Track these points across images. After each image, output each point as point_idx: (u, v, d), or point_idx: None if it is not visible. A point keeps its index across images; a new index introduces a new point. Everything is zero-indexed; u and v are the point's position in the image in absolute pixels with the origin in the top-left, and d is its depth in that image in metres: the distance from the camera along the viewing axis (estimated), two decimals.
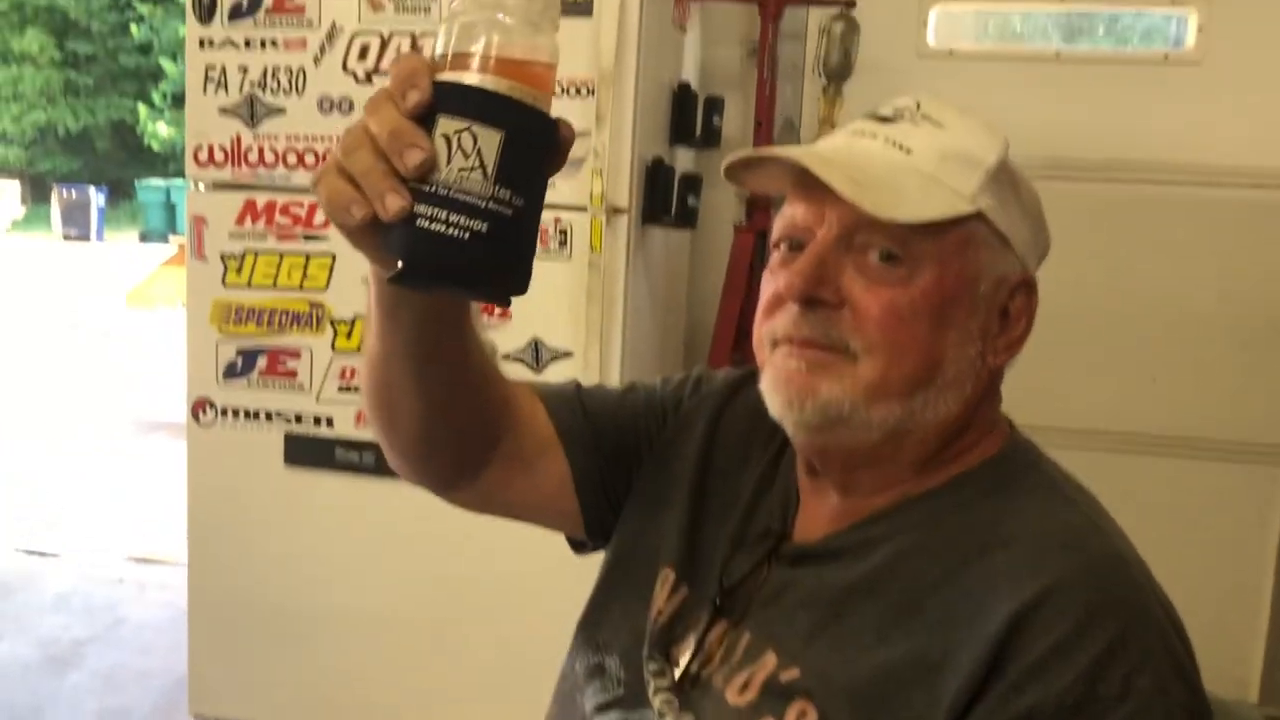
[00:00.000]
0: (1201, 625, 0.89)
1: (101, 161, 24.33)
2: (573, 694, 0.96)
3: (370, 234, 0.66)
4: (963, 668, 0.73)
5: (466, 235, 0.62)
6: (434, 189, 0.62)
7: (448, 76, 0.64)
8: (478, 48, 0.64)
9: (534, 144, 0.65)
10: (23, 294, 10.52)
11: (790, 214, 0.85)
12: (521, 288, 0.68)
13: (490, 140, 0.63)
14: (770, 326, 0.84)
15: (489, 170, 0.62)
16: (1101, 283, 2.49)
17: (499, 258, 0.65)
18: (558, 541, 1.11)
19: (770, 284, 0.85)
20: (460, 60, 0.64)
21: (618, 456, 1.01)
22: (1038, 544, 0.78)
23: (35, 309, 9.61)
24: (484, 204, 0.63)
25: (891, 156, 0.82)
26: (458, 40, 0.64)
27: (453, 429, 0.92)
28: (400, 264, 0.64)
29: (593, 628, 0.98)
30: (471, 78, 0.63)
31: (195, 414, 2.24)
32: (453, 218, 0.62)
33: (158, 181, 17.77)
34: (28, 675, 2.83)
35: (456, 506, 1.02)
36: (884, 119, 0.85)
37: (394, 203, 0.62)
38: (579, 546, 1.07)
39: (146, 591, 3.41)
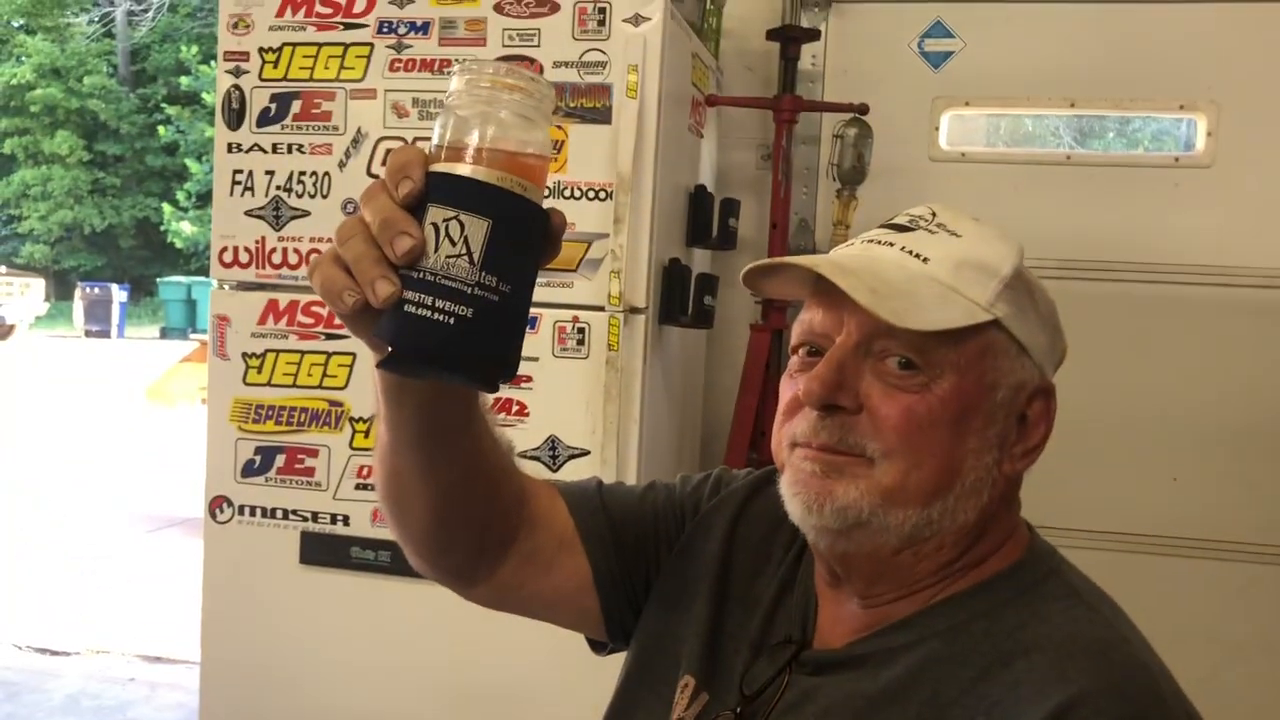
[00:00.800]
0: None
1: (125, 259, 24.73)
2: None
3: (365, 320, 0.67)
4: None
5: (452, 320, 0.64)
6: (422, 275, 0.64)
7: (440, 167, 0.66)
8: (470, 139, 0.66)
9: (522, 233, 0.67)
10: (43, 389, 10.61)
11: (809, 319, 0.86)
12: (508, 374, 0.68)
13: (477, 228, 0.64)
14: (789, 429, 0.85)
15: (475, 257, 0.64)
16: (1117, 382, 2.49)
17: (485, 343, 0.66)
18: (577, 644, 1.10)
19: (789, 388, 0.86)
20: (453, 151, 0.66)
21: (638, 557, 1.01)
22: (1061, 653, 0.77)
23: (55, 404, 9.67)
24: (470, 290, 0.64)
25: (908, 265, 0.83)
26: (452, 132, 0.67)
27: (467, 522, 0.92)
28: (390, 348, 0.66)
29: None
30: (462, 168, 0.65)
31: (213, 511, 2.24)
32: (439, 303, 0.64)
33: (179, 279, 18.05)
34: None
35: (475, 603, 1.01)
36: (900, 228, 0.86)
37: (383, 289, 0.64)
38: (598, 647, 1.06)
39: (157, 691, 3.37)
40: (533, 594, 1.00)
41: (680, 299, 2.20)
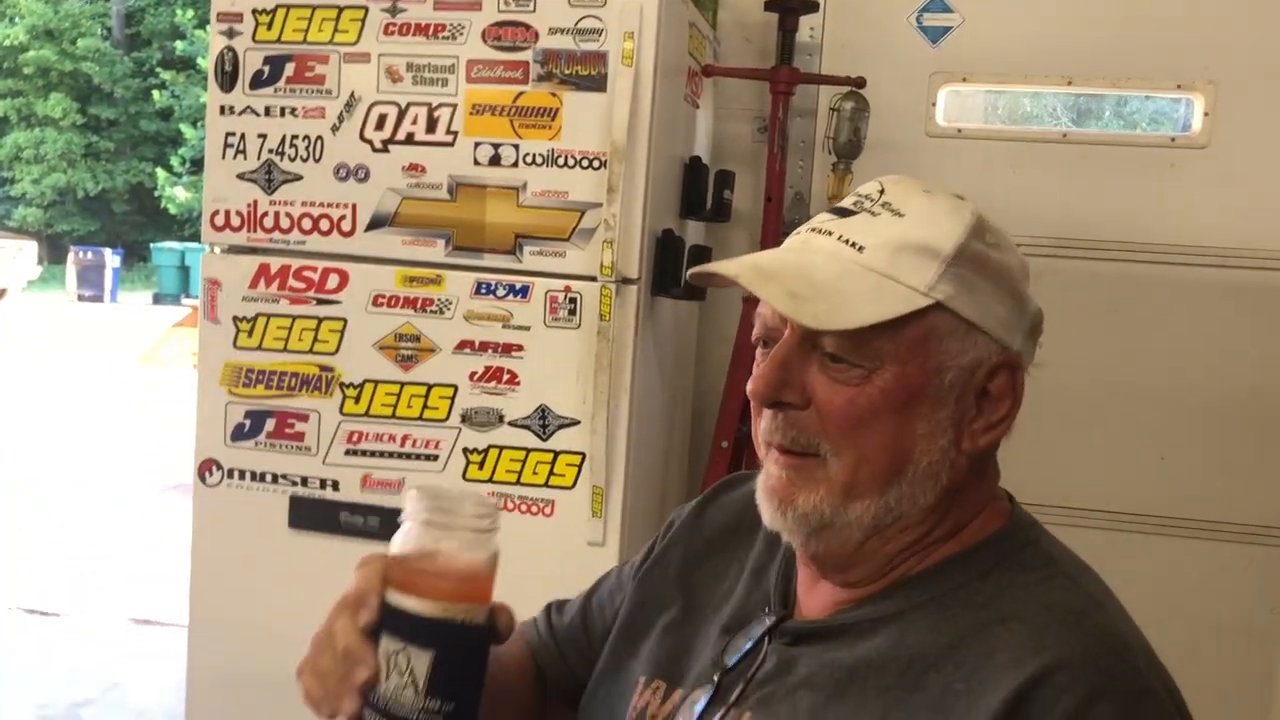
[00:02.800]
0: (1210, 705, 0.88)
1: (118, 224, 24.62)
2: None
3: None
4: None
5: None
6: (375, 700, 0.72)
7: (392, 598, 0.73)
8: (421, 565, 0.73)
9: (464, 656, 0.73)
10: (36, 353, 10.58)
11: (763, 314, 0.86)
12: None
13: (421, 660, 0.71)
14: (758, 428, 0.86)
15: (419, 686, 0.71)
16: (1109, 361, 2.49)
17: None
18: None
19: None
20: (405, 578, 0.73)
21: (595, 657, 1.04)
22: (1038, 622, 0.78)
23: (48, 368, 9.65)
24: (416, 716, 0.71)
25: (843, 255, 0.82)
26: (408, 551, 0.74)
27: None
28: None
29: None
30: (409, 602, 0.72)
31: (202, 474, 2.24)
32: None
33: (173, 244, 17.97)
34: None
35: None
36: (843, 212, 0.86)
37: (348, 707, 0.73)
38: None
39: (147, 654, 3.38)
40: None
41: (673, 270, 2.20)
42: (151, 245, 18.81)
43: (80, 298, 17.25)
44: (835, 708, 0.80)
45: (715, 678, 0.89)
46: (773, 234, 2.47)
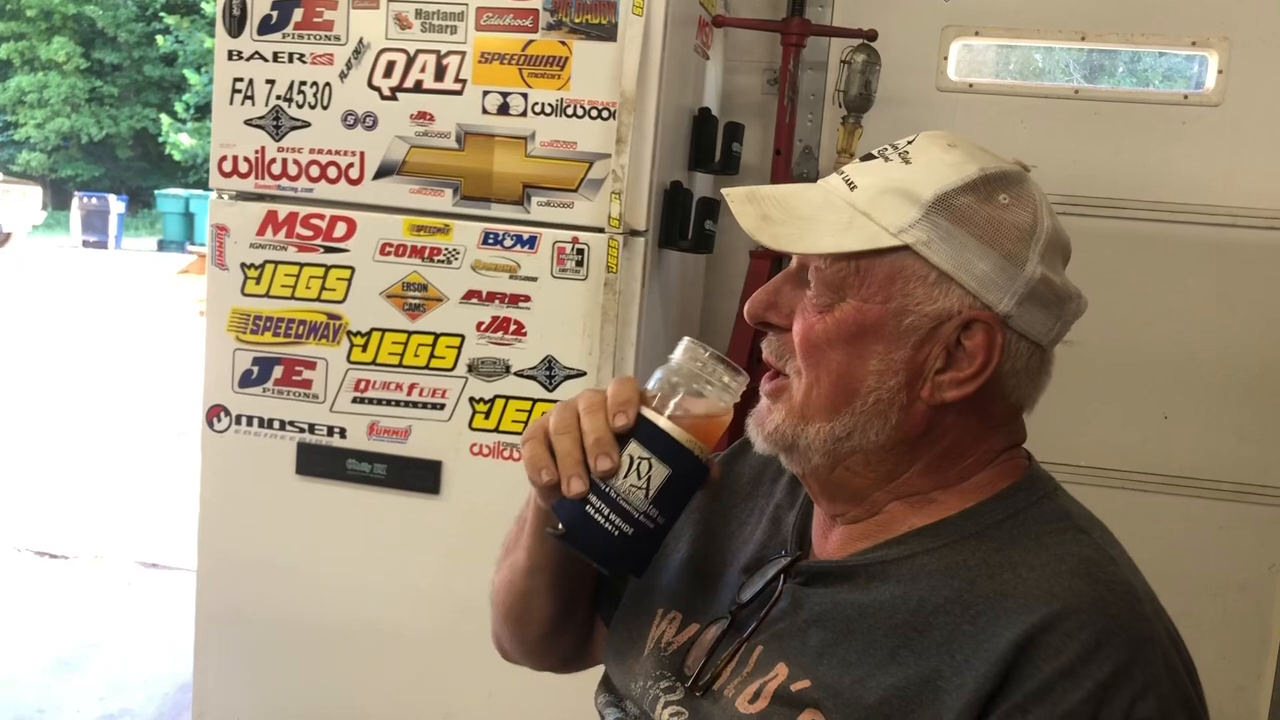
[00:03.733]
0: (1208, 661, 0.90)
1: (123, 170, 24.53)
2: None
3: (549, 493, 0.86)
4: (968, 687, 0.75)
5: (616, 532, 0.82)
6: (607, 490, 0.83)
7: (648, 414, 0.85)
8: (675, 401, 0.85)
9: (689, 484, 0.85)
10: (42, 298, 10.59)
11: None
12: (636, 573, 0.87)
13: (659, 473, 0.83)
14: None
15: (650, 493, 0.83)
16: (1116, 319, 2.49)
17: (630, 554, 0.84)
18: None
19: None
20: (662, 403, 0.85)
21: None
22: (1047, 570, 0.79)
23: (54, 313, 9.67)
24: (637, 515, 0.83)
25: (836, 191, 0.87)
26: (666, 389, 0.86)
27: (571, 629, 1.09)
28: (560, 526, 0.85)
29: (608, 686, 1.02)
30: (663, 423, 0.84)
31: (210, 420, 2.26)
32: (612, 516, 0.82)
33: (177, 191, 17.92)
34: (34, 677, 2.84)
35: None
36: (869, 155, 0.89)
37: (576, 487, 0.83)
38: None
39: (155, 596, 3.42)
40: (592, 659, 1.15)
41: (681, 223, 2.20)
42: (156, 192, 18.75)
43: (85, 244, 17.22)
44: (845, 645, 0.82)
45: (730, 612, 0.91)
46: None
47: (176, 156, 22.40)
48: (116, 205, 17.90)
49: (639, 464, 0.83)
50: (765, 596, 0.90)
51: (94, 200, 17.88)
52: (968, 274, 0.82)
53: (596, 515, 0.82)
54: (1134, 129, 2.50)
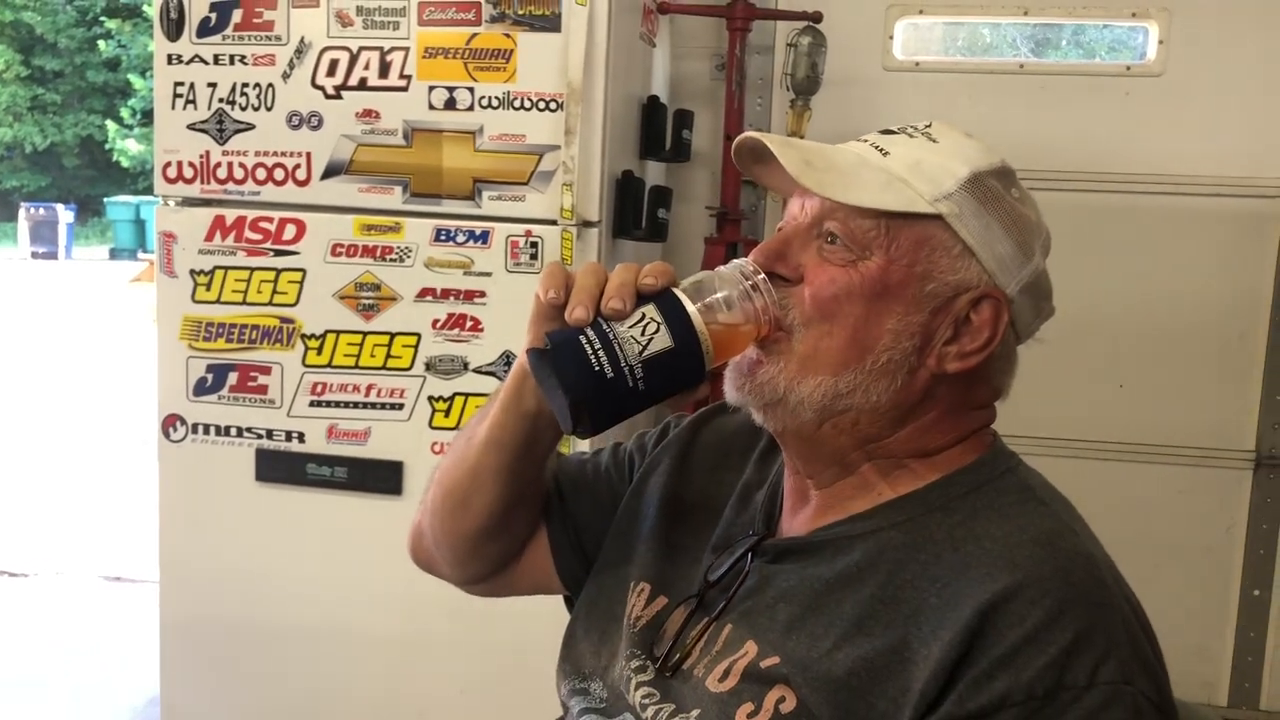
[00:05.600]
0: (1170, 628, 0.91)
1: (70, 178, 24.13)
2: None
3: (545, 318, 0.86)
4: (934, 656, 0.76)
5: (597, 368, 0.81)
6: (607, 329, 0.82)
7: (679, 291, 0.84)
8: (707, 297, 0.84)
9: (683, 370, 0.83)
10: None
11: (789, 207, 0.91)
12: (585, 432, 0.85)
13: (662, 340, 0.82)
14: None
15: (642, 351, 0.81)
16: (1068, 290, 2.49)
17: (600, 396, 0.82)
18: None
19: None
20: (692, 292, 0.84)
21: (592, 521, 1.07)
22: (1010, 541, 0.81)
23: (6, 327, 9.51)
24: (623, 363, 0.81)
25: (867, 156, 0.88)
26: (703, 284, 0.85)
27: (507, 534, 1.05)
28: (548, 345, 0.83)
29: (571, 663, 1.01)
30: (689, 306, 0.83)
31: (166, 430, 2.23)
32: (601, 353, 0.81)
33: (127, 198, 17.65)
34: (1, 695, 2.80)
35: (469, 594, 1.14)
36: (887, 131, 0.91)
37: (579, 313, 0.82)
38: (570, 603, 1.11)
39: (119, 611, 3.38)
40: (516, 583, 1.11)
41: (634, 212, 2.19)
42: (105, 200, 18.47)
43: (34, 255, 16.94)
44: (813, 619, 0.83)
45: (698, 592, 0.92)
46: (734, 172, 2.46)
47: (124, 163, 22.07)
48: (65, 215, 17.60)
49: (647, 323, 0.82)
50: (733, 575, 0.91)
51: (41, 210, 17.58)
52: (989, 253, 0.86)
53: (586, 347, 0.81)
54: (1079, 101, 2.52)
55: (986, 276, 0.85)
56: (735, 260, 0.88)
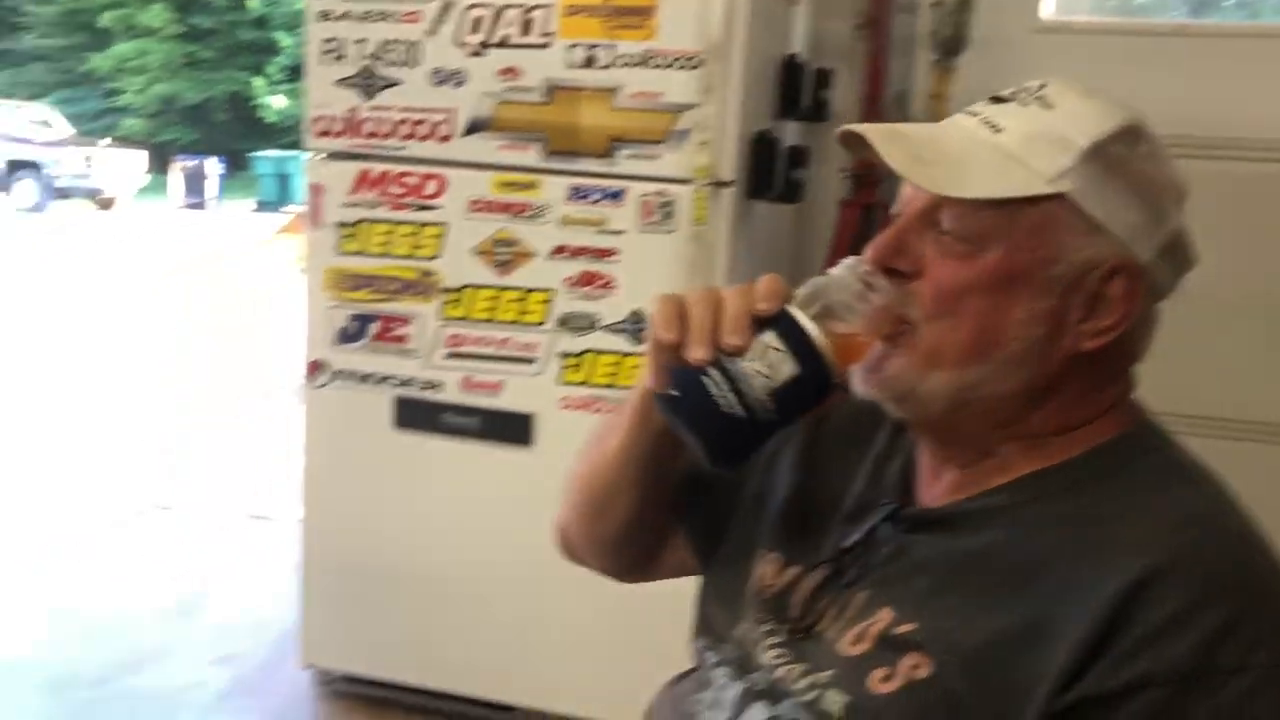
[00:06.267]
0: None
1: (219, 132, 25.08)
2: (696, 684, 1.00)
3: (664, 355, 0.83)
4: (1075, 633, 0.74)
5: (725, 409, 0.79)
6: (730, 367, 0.80)
7: (794, 309, 0.81)
8: (823, 310, 0.81)
9: (812, 391, 0.81)
10: (147, 259, 10.94)
11: (902, 192, 0.88)
12: (729, 468, 0.86)
13: (787, 369, 0.80)
14: None
15: (772, 386, 0.79)
16: (1231, 264, 2.38)
17: (734, 438, 0.81)
18: None
19: None
20: (807, 305, 0.82)
21: (725, 502, 1.07)
22: (1156, 520, 0.78)
23: (159, 274, 9.99)
24: (752, 401, 0.79)
25: (977, 135, 0.84)
26: (816, 294, 0.82)
27: (647, 535, 1.07)
28: (672, 390, 0.82)
29: (703, 623, 1.02)
30: (807, 323, 0.80)
31: (310, 376, 2.32)
32: (727, 393, 0.79)
33: (272, 153, 18.28)
34: (154, 620, 2.97)
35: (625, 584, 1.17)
36: (998, 99, 0.86)
37: (699, 352, 0.80)
38: None
39: (260, 547, 3.55)
40: (655, 574, 1.14)
41: (769, 172, 2.18)
42: (251, 154, 19.16)
43: (186, 206, 17.70)
44: (951, 591, 0.82)
45: (832, 559, 0.91)
46: None
47: (270, 118, 22.84)
48: (215, 167, 18.33)
49: (769, 353, 0.80)
50: (868, 544, 0.90)
51: (193, 163, 18.34)
52: (1119, 224, 0.81)
53: (711, 386, 0.79)
54: (1244, 65, 2.39)
55: (1118, 248, 0.81)
56: (847, 260, 0.85)
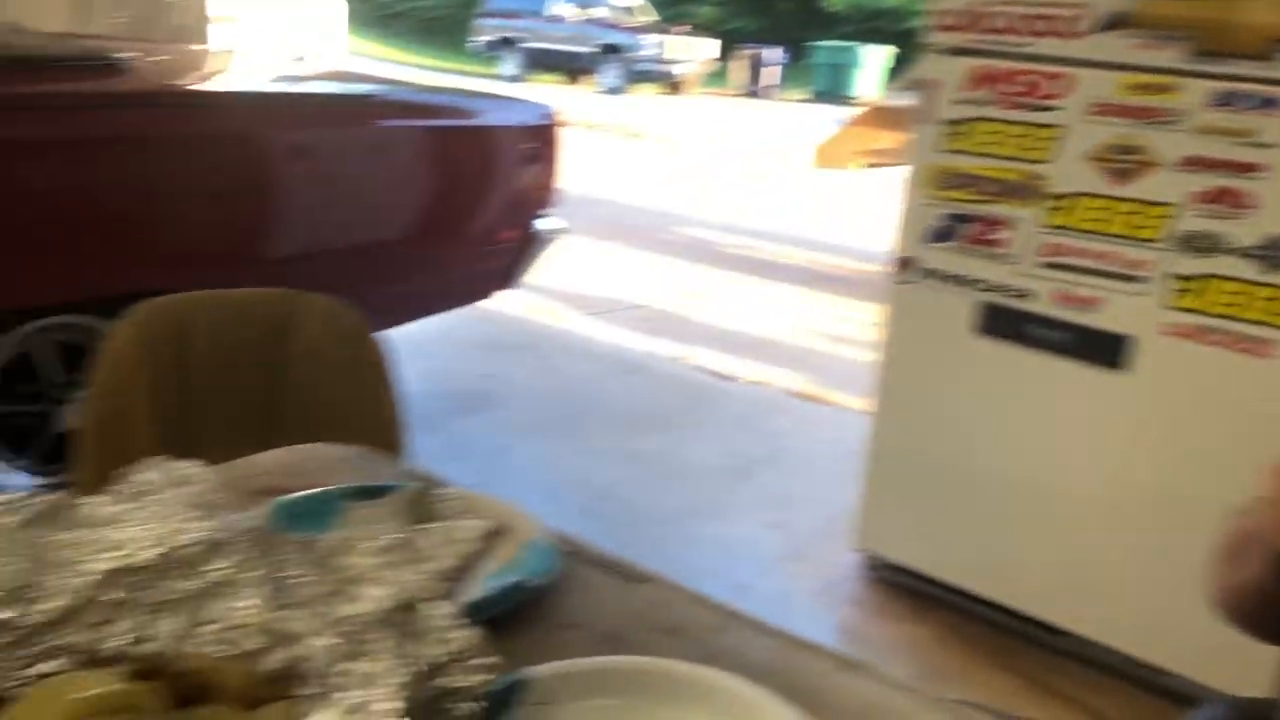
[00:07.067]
0: None
1: (783, 22, 25.81)
2: None
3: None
4: None
5: None
6: None
7: None
8: None
9: None
10: (714, 145, 11.67)
11: None
12: None
13: None
14: None
15: None
16: None
17: None
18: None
19: None
20: None
21: None
22: None
23: (727, 161, 10.63)
24: None
25: None
26: None
27: None
28: None
29: None
30: None
31: (897, 271, 2.35)
32: None
33: (830, 43, 18.51)
34: (713, 478, 3.26)
35: None
36: None
37: None
38: None
39: (807, 426, 3.73)
40: None
41: None
42: (809, 44, 19.53)
43: (750, 94, 18.53)
44: None
45: None
46: None
47: (833, 8, 23.05)
48: (776, 56, 18.95)
49: None
50: None
51: (754, 51, 19.09)
52: None
53: None
54: None
55: None
56: None
